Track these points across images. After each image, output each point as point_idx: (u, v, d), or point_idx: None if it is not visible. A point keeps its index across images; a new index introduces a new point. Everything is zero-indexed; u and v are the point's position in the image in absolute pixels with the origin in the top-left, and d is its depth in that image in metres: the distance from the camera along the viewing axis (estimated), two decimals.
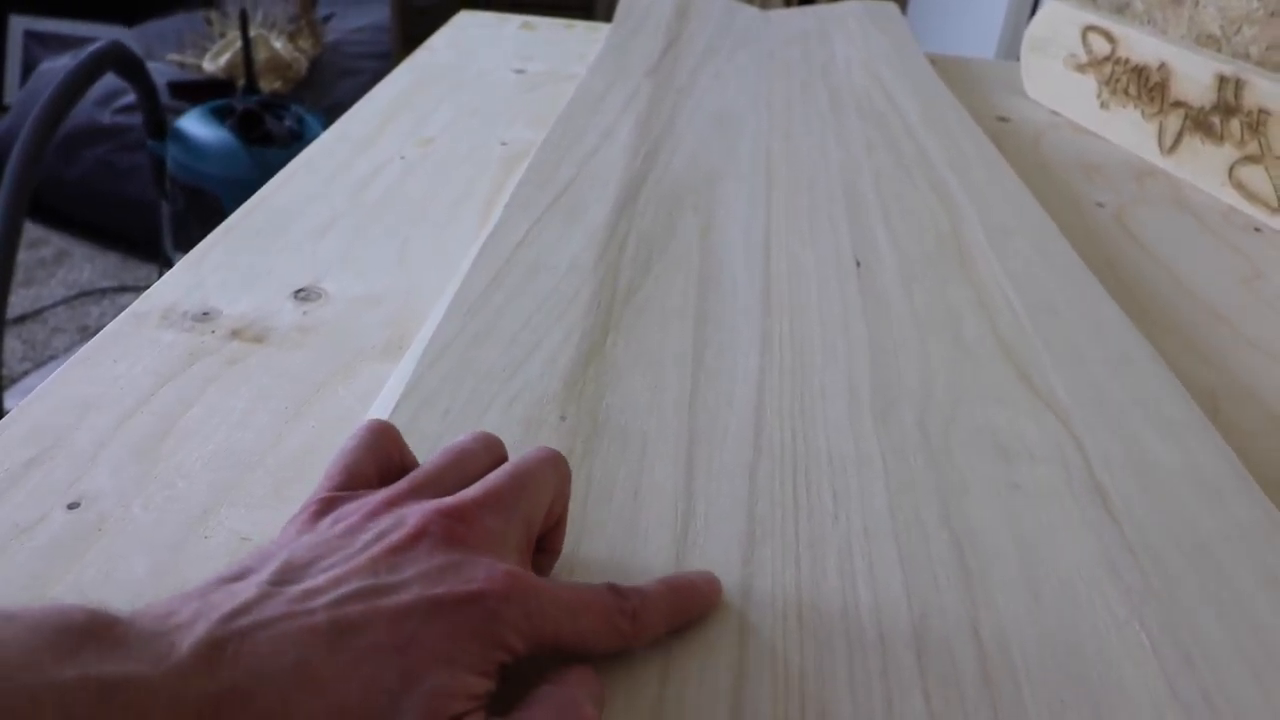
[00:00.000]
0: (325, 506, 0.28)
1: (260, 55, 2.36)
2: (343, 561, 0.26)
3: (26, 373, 1.97)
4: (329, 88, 2.49)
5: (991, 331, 0.49)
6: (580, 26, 1.04)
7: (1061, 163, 0.77)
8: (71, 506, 0.35)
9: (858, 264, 0.54)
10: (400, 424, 0.37)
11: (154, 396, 0.41)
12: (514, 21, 1.04)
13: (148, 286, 1.78)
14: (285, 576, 0.25)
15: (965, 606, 0.32)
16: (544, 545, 0.32)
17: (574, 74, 0.88)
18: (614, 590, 0.29)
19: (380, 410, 0.39)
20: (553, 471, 0.31)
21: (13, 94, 3.06)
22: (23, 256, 2.26)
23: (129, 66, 1.61)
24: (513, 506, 0.29)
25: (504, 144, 0.71)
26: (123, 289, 2.25)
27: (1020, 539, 0.35)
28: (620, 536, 0.34)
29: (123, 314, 0.47)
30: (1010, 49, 1.38)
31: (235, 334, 0.46)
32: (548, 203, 0.57)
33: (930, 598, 0.32)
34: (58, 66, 2.51)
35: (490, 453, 0.32)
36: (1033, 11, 1.36)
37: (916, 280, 0.53)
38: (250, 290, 0.50)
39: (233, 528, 0.35)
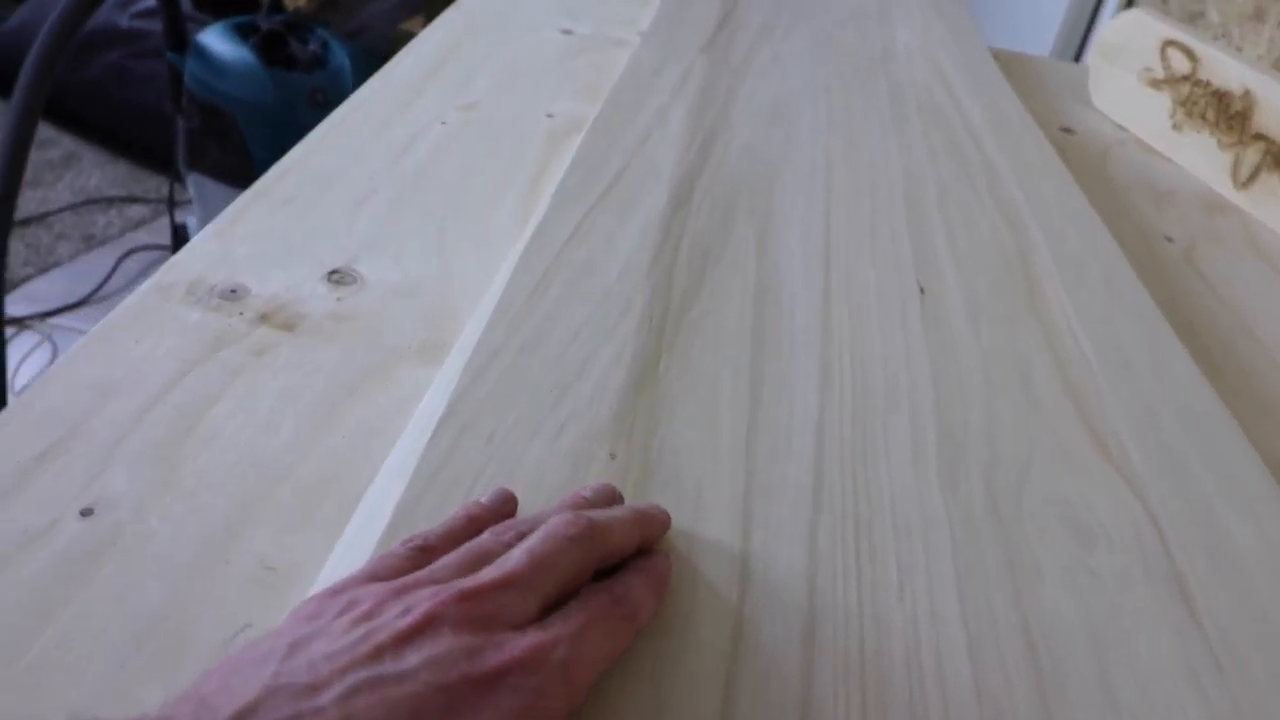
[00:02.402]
0: (333, 594, 0.27)
1: None
2: (346, 651, 0.24)
3: (29, 278, 1.93)
4: (354, 10, 2.42)
5: (1061, 381, 0.46)
6: None
7: (1129, 186, 0.73)
8: (85, 513, 0.33)
9: (921, 290, 0.51)
10: (441, 449, 0.35)
11: (176, 386, 0.39)
12: None
13: (157, 199, 1.73)
14: (288, 669, 0.24)
15: (1038, 712, 0.30)
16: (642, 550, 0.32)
17: (622, 39, 0.84)
18: (604, 591, 0.29)
19: (419, 430, 0.37)
20: (575, 548, 0.29)
21: None
22: (31, 156, 2.21)
23: None
24: (531, 586, 0.28)
25: (550, 116, 0.68)
26: (131, 199, 2.21)
27: (1095, 634, 0.33)
28: (672, 602, 0.31)
29: (147, 284, 0.44)
30: (1065, 48, 1.33)
31: (264, 318, 0.43)
32: (598, 194, 0.54)
33: (1001, 699, 0.30)
34: None
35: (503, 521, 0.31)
36: (1095, 11, 1.31)
37: (983, 312, 0.50)
38: (282, 266, 0.47)
39: (256, 552, 0.33)
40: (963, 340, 0.48)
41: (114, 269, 1.96)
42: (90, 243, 2.06)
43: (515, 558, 0.28)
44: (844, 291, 0.50)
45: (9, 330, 1.76)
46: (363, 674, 0.24)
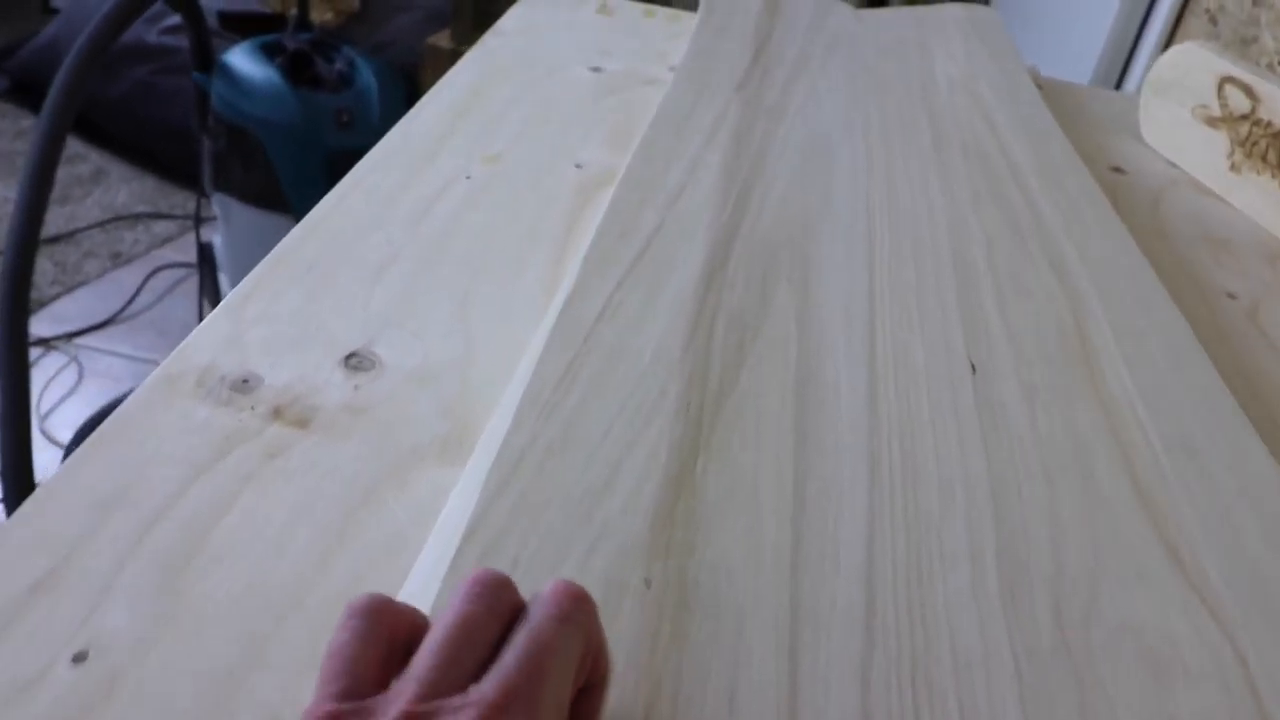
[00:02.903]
0: None
1: None
2: None
3: (57, 296, 1.93)
4: (380, 23, 2.41)
5: (1128, 477, 0.43)
6: (661, 14, 0.97)
7: (1184, 233, 0.70)
8: (78, 659, 0.30)
9: (973, 368, 0.48)
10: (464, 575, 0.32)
11: (182, 498, 0.36)
12: (590, 3, 0.96)
13: (184, 215, 1.71)
14: None
15: None
16: (588, 682, 0.28)
17: (654, 77, 0.81)
18: None
19: (439, 548, 0.34)
20: (575, 631, 0.27)
21: None
22: (60, 172, 2.21)
23: None
24: (537, 699, 0.25)
25: (578, 166, 0.65)
26: (158, 215, 2.21)
27: None
28: None
29: (156, 374, 0.42)
30: (1108, 74, 1.29)
31: (277, 413, 0.41)
32: (630, 261, 0.51)
33: None
34: None
35: (496, 610, 0.27)
36: (1138, 37, 1.27)
37: (1038, 393, 0.47)
38: (296, 350, 0.45)
39: (262, 699, 0.30)
40: (1019, 427, 0.45)
41: (141, 287, 1.96)
42: (118, 260, 2.06)
43: (511, 660, 0.25)
44: (891, 371, 0.47)
45: (35, 351, 1.76)
46: None
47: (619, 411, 0.41)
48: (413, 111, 0.69)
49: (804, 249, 0.56)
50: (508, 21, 0.88)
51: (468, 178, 0.61)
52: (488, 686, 0.25)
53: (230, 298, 0.47)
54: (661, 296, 0.49)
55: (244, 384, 0.42)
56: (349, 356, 0.45)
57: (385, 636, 0.26)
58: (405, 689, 0.25)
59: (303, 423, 0.41)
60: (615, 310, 0.48)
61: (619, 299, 0.49)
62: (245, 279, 0.48)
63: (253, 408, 0.41)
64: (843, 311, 0.51)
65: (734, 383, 0.45)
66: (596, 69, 0.81)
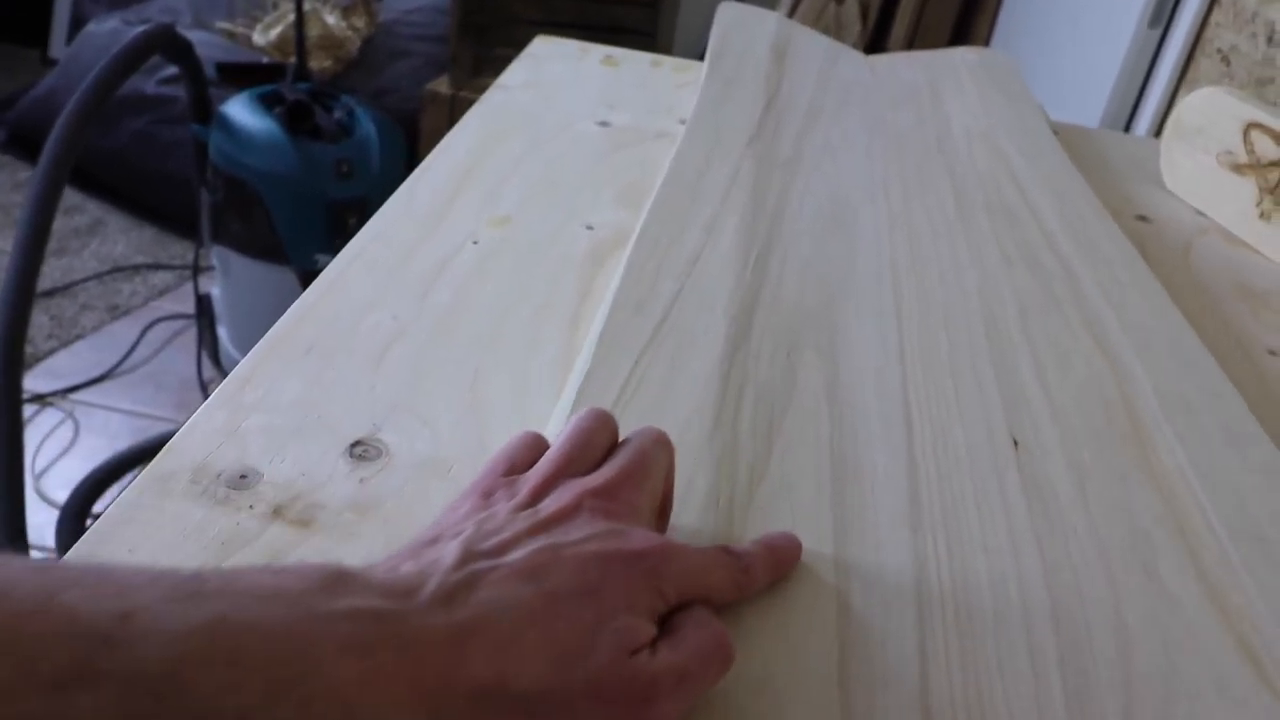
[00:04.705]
0: (491, 490, 0.34)
1: (312, 31, 2.28)
2: (524, 525, 0.31)
3: (53, 351, 1.91)
4: (378, 70, 2.40)
5: (1194, 570, 0.40)
6: (668, 64, 0.95)
7: (1217, 286, 0.67)
8: None
9: (1015, 444, 0.46)
10: None
11: None
12: (595, 54, 0.95)
13: (182, 265, 1.69)
14: (479, 540, 0.30)
15: None
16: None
17: (664, 130, 0.79)
18: (729, 551, 0.34)
19: None
20: (663, 451, 0.36)
21: (59, 47, 3.00)
22: (57, 224, 2.17)
23: (177, 50, 1.53)
24: (642, 483, 0.34)
25: (589, 228, 0.62)
26: (156, 266, 2.19)
27: None
28: None
29: (148, 472, 0.39)
30: (1116, 117, 1.27)
31: (277, 511, 0.38)
32: (647, 336, 0.49)
33: None
34: (104, 29, 2.44)
35: (607, 429, 0.36)
36: (1147, 78, 1.25)
37: (1088, 475, 0.44)
38: (297, 441, 0.42)
39: None
40: (1071, 514, 0.42)
41: (138, 340, 1.93)
42: (115, 313, 2.03)
43: (622, 457, 0.35)
44: (930, 455, 0.44)
45: (31, 408, 1.73)
46: (540, 541, 0.30)
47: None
48: (417, 172, 0.67)
49: (829, 317, 0.54)
50: (511, 75, 0.86)
51: (475, 243, 0.59)
52: (606, 469, 0.34)
53: (226, 384, 0.44)
54: (684, 372, 0.47)
55: (242, 480, 0.39)
56: (354, 445, 0.42)
57: (535, 447, 0.37)
58: (544, 466, 0.34)
59: (305, 521, 0.38)
60: (635, 389, 0.45)
61: (638, 376, 0.46)
62: (241, 364, 0.46)
63: (251, 506, 0.38)
64: (874, 385, 0.49)
65: (765, 471, 0.42)
66: (604, 123, 0.79)
